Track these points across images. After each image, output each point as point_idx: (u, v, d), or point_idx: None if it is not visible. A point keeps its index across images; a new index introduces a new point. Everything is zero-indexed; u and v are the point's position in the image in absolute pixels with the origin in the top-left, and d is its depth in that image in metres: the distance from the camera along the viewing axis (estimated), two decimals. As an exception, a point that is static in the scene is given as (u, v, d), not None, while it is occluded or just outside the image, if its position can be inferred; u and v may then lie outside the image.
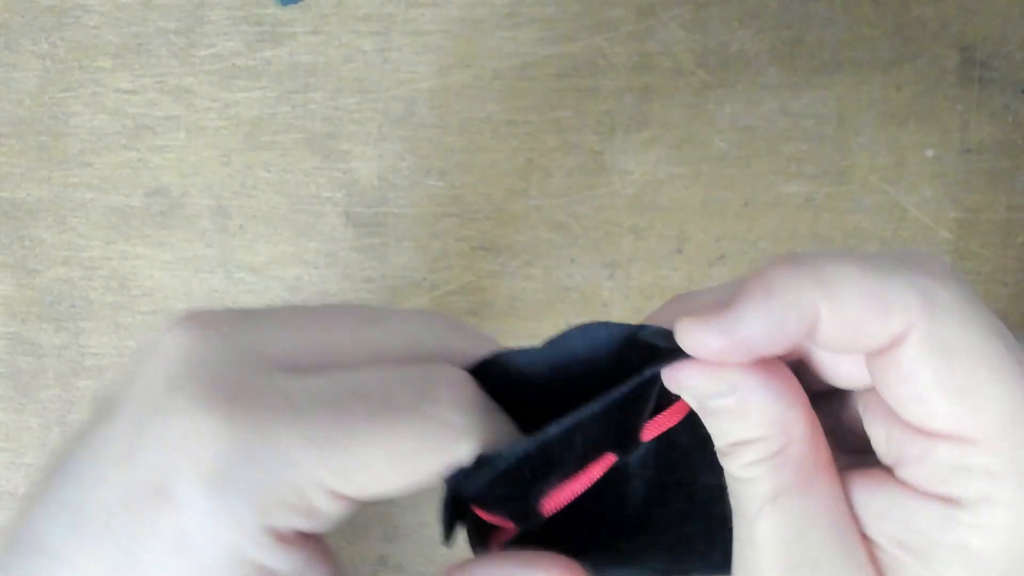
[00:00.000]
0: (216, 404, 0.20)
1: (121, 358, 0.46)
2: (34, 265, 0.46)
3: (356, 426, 0.20)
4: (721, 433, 0.21)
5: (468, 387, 0.22)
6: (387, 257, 0.44)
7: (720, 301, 0.20)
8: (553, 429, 0.22)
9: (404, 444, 0.21)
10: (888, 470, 0.21)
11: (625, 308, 0.43)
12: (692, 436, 0.23)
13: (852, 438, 0.22)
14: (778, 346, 0.20)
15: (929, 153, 0.42)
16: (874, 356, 0.20)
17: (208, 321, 0.22)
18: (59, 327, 0.46)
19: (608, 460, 0.24)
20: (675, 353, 0.21)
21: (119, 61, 0.45)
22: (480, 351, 0.24)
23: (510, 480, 0.22)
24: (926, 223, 0.42)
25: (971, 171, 0.42)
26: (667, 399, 0.23)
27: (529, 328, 0.44)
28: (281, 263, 0.45)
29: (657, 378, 0.22)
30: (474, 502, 0.23)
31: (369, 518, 0.45)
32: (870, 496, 0.21)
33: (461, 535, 0.24)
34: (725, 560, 0.24)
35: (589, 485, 0.24)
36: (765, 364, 0.21)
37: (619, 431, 0.23)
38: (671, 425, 0.23)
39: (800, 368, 0.22)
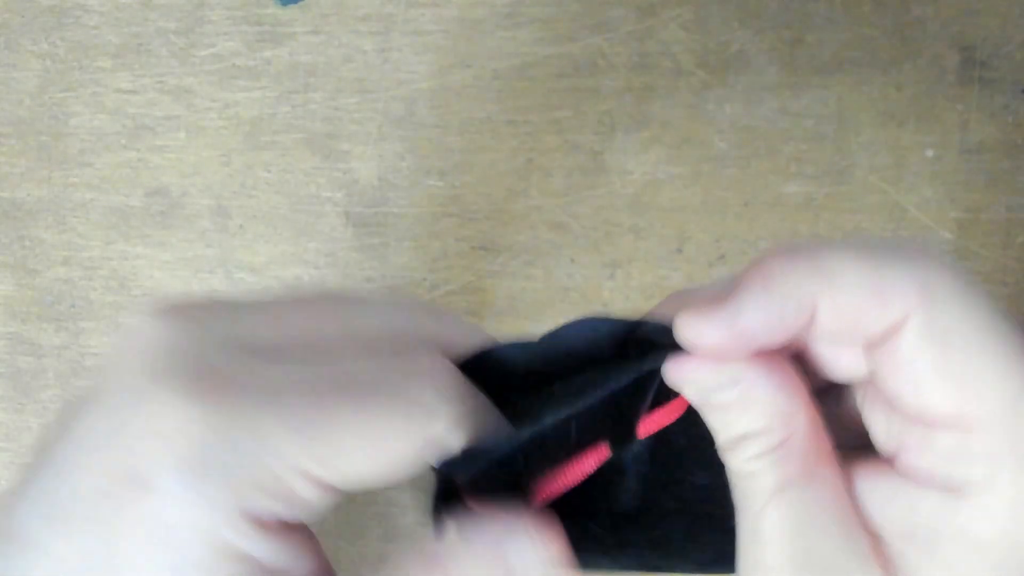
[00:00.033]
0: (193, 391, 0.20)
1: (121, 358, 0.46)
2: (34, 265, 0.46)
3: (333, 410, 0.20)
4: (724, 427, 0.21)
5: (447, 371, 0.22)
6: (387, 257, 0.44)
7: (719, 294, 0.20)
8: (549, 419, 0.22)
9: (381, 427, 0.21)
10: (888, 461, 0.21)
11: (625, 308, 0.43)
12: (687, 435, 0.23)
13: (850, 434, 0.23)
14: (777, 337, 0.20)
15: (929, 153, 0.42)
16: (873, 346, 0.20)
17: (185, 309, 0.22)
18: (59, 327, 0.46)
19: (602, 453, 0.24)
20: (674, 348, 0.21)
21: (119, 61, 0.45)
22: (465, 340, 0.24)
23: (504, 468, 0.22)
24: (926, 223, 0.42)
25: (971, 171, 0.42)
26: (664, 396, 0.23)
27: (529, 328, 0.44)
28: (281, 263, 0.45)
29: (655, 373, 0.22)
30: (466, 489, 0.23)
31: (369, 518, 0.45)
32: (872, 487, 0.21)
33: None
34: (715, 559, 0.24)
35: (583, 478, 0.24)
36: (766, 357, 0.21)
37: (615, 425, 0.23)
38: (667, 423, 0.23)
39: (798, 363, 0.22)
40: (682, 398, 0.23)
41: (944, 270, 0.20)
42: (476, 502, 0.23)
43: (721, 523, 0.23)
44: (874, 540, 0.21)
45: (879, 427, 0.21)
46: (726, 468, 0.22)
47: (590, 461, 0.24)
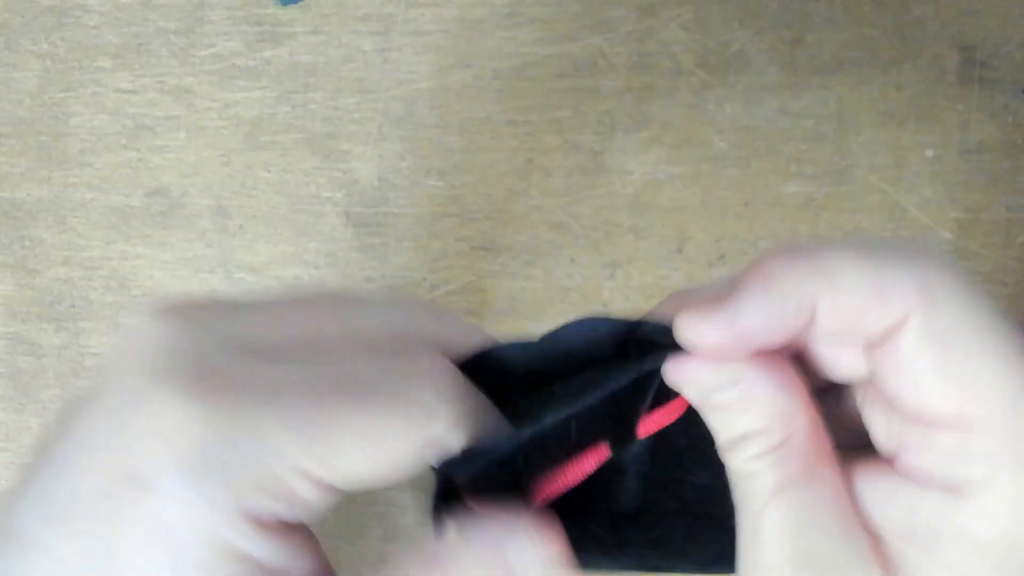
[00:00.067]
0: (193, 391, 0.20)
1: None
2: (34, 265, 0.46)
3: (333, 410, 0.20)
4: (724, 427, 0.21)
5: (447, 371, 0.22)
6: (387, 257, 0.44)
7: (719, 295, 0.20)
8: (550, 419, 0.22)
9: (381, 427, 0.21)
10: (888, 462, 0.21)
11: (625, 308, 0.43)
12: (687, 435, 0.23)
13: (850, 434, 0.23)
14: (777, 337, 0.20)
15: (929, 153, 0.42)
16: (873, 346, 0.20)
17: (185, 309, 0.22)
18: (59, 327, 0.46)
19: (602, 453, 0.24)
20: (674, 348, 0.21)
21: (119, 61, 0.45)
22: (465, 339, 0.24)
23: (504, 468, 0.22)
24: (926, 223, 0.42)
25: (971, 171, 0.42)
26: (664, 397, 0.23)
27: (529, 328, 0.44)
28: (281, 263, 0.45)
29: (655, 374, 0.22)
30: (466, 489, 0.23)
31: (369, 518, 0.45)
32: (872, 487, 0.21)
33: None
34: (715, 559, 0.24)
35: (583, 478, 0.24)
36: (766, 357, 0.21)
37: (615, 425, 0.23)
38: (667, 423, 0.23)
39: (798, 363, 0.22)
40: (682, 398, 0.23)
41: (944, 270, 0.20)
42: (476, 502, 0.23)
43: (721, 523, 0.23)
44: (874, 540, 0.21)
45: (879, 427, 0.21)
46: (726, 468, 0.22)
47: (590, 461, 0.24)
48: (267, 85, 0.44)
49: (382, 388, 0.21)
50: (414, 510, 0.45)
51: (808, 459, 0.21)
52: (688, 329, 0.20)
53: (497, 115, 0.43)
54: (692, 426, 0.22)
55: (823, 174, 0.42)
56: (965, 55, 0.41)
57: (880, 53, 0.42)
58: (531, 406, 0.23)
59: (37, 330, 0.47)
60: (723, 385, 0.21)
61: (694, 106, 0.42)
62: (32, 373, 0.47)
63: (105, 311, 0.46)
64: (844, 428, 0.23)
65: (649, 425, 0.23)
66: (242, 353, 0.21)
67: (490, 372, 0.23)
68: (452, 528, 0.22)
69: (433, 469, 0.23)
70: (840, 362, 0.22)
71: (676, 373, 0.21)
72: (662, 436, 0.24)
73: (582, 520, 0.24)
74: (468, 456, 0.22)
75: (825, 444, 0.21)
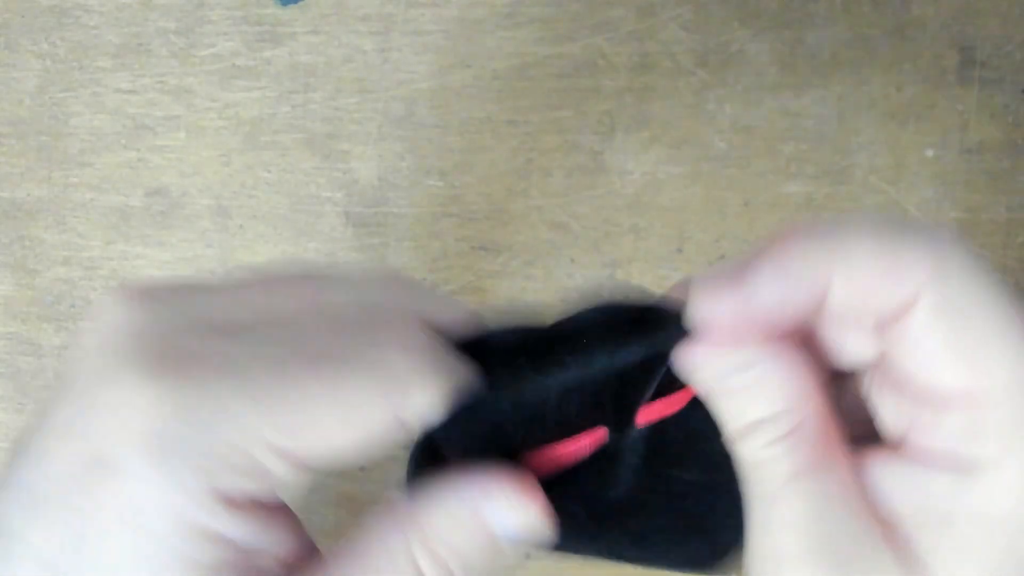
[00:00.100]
0: (154, 370, 0.20)
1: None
2: (34, 265, 0.46)
3: (298, 380, 0.20)
4: (737, 414, 0.21)
5: (421, 339, 0.22)
6: (387, 257, 0.44)
7: (733, 273, 0.20)
8: (540, 384, 0.22)
9: (349, 395, 0.20)
10: (896, 448, 0.21)
11: (625, 308, 0.43)
12: (683, 431, 0.23)
13: (854, 425, 0.22)
14: (791, 315, 0.20)
15: (929, 153, 0.42)
16: (884, 325, 0.20)
17: (152, 291, 0.22)
18: (59, 327, 0.46)
19: (600, 434, 0.23)
20: (685, 334, 0.21)
21: (119, 61, 0.45)
22: (444, 311, 0.23)
23: (495, 437, 0.22)
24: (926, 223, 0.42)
25: (971, 171, 0.42)
26: (667, 388, 0.23)
27: (529, 328, 0.44)
28: (281, 263, 0.45)
29: (663, 359, 0.22)
30: (454, 456, 0.23)
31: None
32: (881, 473, 0.21)
33: None
34: (688, 561, 0.24)
35: (577, 458, 0.24)
36: (776, 342, 0.21)
37: (616, 408, 0.23)
38: (667, 414, 0.23)
39: (806, 351, 0.22)
40: (683, 392, 0.23)
41: (955, 247, 0.20)
42: (459, 468, 0.23)
43: (701, 524, 0.23)
44: (886, 526, 0.21)
45: (887, 410, 0.21)
46: (736, 459, 0.22)
47: (586, 443, 0.23)
48: (267, 85, 0.44)
49: (351, 358, 0.21)
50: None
51: (820, 445, 0.21)
52: (703, 306, 0.20)
53: (497, 115, 0.43)
54: (689, 422, 0.22)
55: (823, 174, 0.42)
56: (965, 55, 0.41)
57: (880, 53, 0.41)
58: (536, 369, 0.22)
59: (37, 330, 0.47)
60: (738, 368, 0.21)
61: (694, 106, 0.42)
62: (32, 373, 0.47)
63: (105, 311, 0.46)
64: (847, 419, 0.23)
65: (649, 414, 0.23)
66: (209, 332, 0.21)
67: (495, 351, 0.23)
68: (427, 487, 0.22)
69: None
70: (848, 346, 0.22)
71: (690, 357, 0.21)
72: (659, 428, 0.24)
73: (567, 501, 0.24)
74: (451, 420, 0.21)
75: (835, 430, 0.21)
